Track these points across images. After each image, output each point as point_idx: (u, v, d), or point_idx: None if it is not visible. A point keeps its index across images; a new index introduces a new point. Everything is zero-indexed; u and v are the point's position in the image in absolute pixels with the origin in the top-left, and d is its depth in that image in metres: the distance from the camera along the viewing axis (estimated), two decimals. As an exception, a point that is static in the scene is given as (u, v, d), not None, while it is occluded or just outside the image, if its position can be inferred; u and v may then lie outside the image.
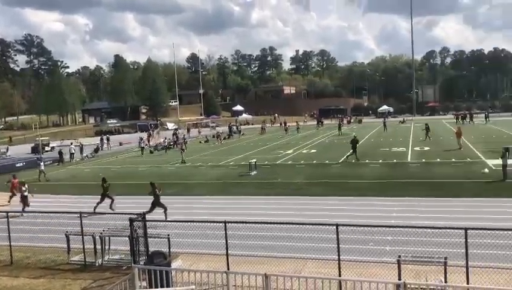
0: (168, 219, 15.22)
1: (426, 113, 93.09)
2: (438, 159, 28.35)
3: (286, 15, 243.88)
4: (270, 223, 12.94)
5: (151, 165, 34.08)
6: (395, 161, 28.89)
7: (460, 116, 63.47)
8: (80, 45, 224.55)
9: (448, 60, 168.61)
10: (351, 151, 30.15)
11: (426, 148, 34.39)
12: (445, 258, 9.15)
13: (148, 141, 50.58)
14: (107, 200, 18.62)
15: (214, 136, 55.19)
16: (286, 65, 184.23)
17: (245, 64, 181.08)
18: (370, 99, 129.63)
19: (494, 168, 23.17)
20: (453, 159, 27.91)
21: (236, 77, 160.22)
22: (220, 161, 33.46)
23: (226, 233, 10.56)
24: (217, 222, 12.35)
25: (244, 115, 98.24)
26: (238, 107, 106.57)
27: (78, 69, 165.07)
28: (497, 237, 11.07)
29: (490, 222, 13.72)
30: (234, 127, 65.61)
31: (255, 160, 28.26)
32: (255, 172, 26.50)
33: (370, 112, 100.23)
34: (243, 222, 11.54)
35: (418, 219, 14.52)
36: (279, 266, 11.06)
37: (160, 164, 34.44)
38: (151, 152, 43.38)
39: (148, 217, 12.82)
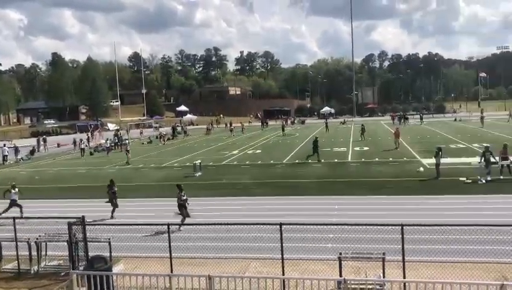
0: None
1: (366, 114, 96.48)
2: (377, 159, 29.44)
3: (230, 16, 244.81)
4: (214, 224, 12.87)
5: (91, 167, 32.92)
6: (336, 160, 29.69)
7: (397, 117, 66.40)
8: (14, 42, 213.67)
9: (386, 63, 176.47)
10: (313, 151, 30.02)
11: (365, 148, 35.62)
12: (384, 254, 9.49)
13: (88, 142, 48.83)
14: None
15: (157, 137, 54.21)
16: (231, 66, 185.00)
17: (189, 64, 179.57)
18: (313, 100, 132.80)
19: (428, 166, 24.38)
20: (391, 159, 29.10)
21: (180, 77, 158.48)
22: (163, 162, 32.91)
23: (169, 235, 10.38)
24: (160, 224, 12.14)
25: (189, 116, 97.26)
26: (183, 108, 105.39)
27: (12, 67, 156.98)
28: (431, 232, 11.67)
29: (425, 218, 14.42)
30: (179, 128, 64.82)
31: (199, 161, 28.05)
32: (199, 173, 26.29)
33: (315, 113, 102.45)
34: (186, 224, 11.44)
35: (358, 217, 14.97)
36: (223, 267, 11.03)
37: (101, 165, 33.34)
38: (91, 154, 41.93)
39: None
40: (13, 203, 17.51)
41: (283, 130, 55.64)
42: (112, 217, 16.89)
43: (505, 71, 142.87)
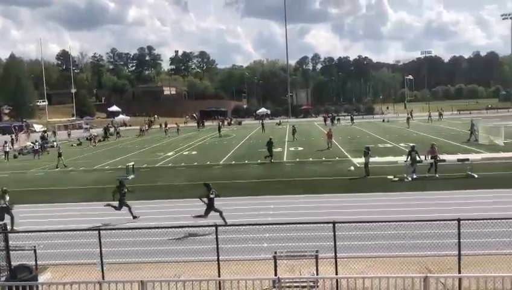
0: (227, 224, 13.67)
1: (300, 115, 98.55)
2: (311, 159, 30.19)
3: (165, 14, 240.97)
4: (149, 228, 12.59)
5: (14, 170, 31.01)
6: (272, 160, 30.05)
7: (329, 118, 68.57)
8: None
9: (319, 66, 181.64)
10: (268, 152, 30.10)
11: (300, 149, 36.42)
12: (317, 251, 9.73)
13: (12, 145, 45.92)
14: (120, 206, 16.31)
15: (87, 139, 52.13)
16: (165, 65, 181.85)
17: (122, 63, 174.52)
18: (249, 101, 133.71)
19: (358, 165, 25.34)
20: (324, 158, 29.96)
21: (112, 76, 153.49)
22: (94, 165, 31.69)
23: (100, 241, 9.98)
24: (91, 229, 11.68)
25: (121, 116, 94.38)
26: (115, 108, 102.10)
27: None
28: (361, 228, 12.13)
29: (355, 215, 14.97)
30: (112, 129, 62.72)
31: (132, 163, 27.31)
32: (132, 176, 25.58)
33: (254, 114, 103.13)
34: (118, 229, 11.08)
35: (293, 216, 15.24)
36: (158, 271, 10.79)
37: (26, 169, 31.50)
38: (15, 157, 39.55)
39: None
40: (4, 211, 16.23)
41: (219, 130, 55.56)
42: (134, 217, 15.97)
43: (428, 74, 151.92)
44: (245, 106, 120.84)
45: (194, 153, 37.16)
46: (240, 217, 15.60)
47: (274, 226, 13.18)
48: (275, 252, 9.73)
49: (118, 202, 16.29)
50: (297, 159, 30.25)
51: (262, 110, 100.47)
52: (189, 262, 11.65)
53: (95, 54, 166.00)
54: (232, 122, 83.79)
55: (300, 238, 12.37)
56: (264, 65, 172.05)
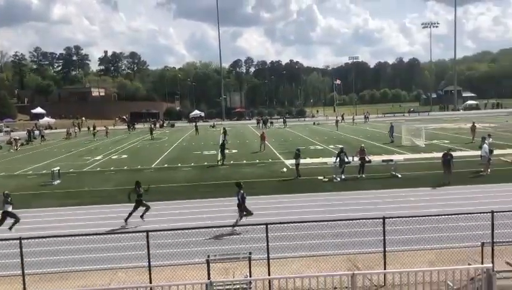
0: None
1: (234, 118, 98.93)
2: (245, 161, 30.40)
3: (93, 13, 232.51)
4: (73, 235, 12.04)
5: None
6: (206, 163, 29.93)
7: (262, 121, 69.53)
8: None
9: (252, 69, 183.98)
10: (220, 155, 29.75)
11: (234, 151, 36.51)
12: (250, 253, 9.79)
13: None
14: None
15: (8, 142, 48.89)
16: (94, 66, 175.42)
17: (46, 62, 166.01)
18: (182, 103, 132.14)
19: (291, 167, 25.87)
20: (257, 160, 30.28)
21: (36, 76, 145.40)
22: (16, 170, 29.79)
23: (21, 251, 9.39)
24: (11, 239, 10.94)
25: (46, 119, 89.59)
26: (39, 110, 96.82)
27: None
28: (293, 229, 12.39)
29: (287, 215, 15.25)
30: (37, 132, 59.29)
31: (58, 168, 26.00)
32: (58, 181, 24.37)
33: (189, 116, 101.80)
34: (41, 237, 10.50)
35: (227, 218, 15.21)
36: (87, 280, 10.33)
37: None
38: None
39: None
40: (5, 215, 15.10)
41: (151, 133, 54.36)
42: (142, 219, 15.48)
43: (356, 79, 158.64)
44: (178, 108, 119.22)
45: (124, 156, 36.05)
46: (173, 221, 15.37)
47: (207, 229, 13.11)
48: (208, 256, 9.67)
49: (134, 203, 15.80)
50: (232, 162, 30.29)
51: (196, 112, 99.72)
52: (119, 269, 11.29)
53: (16, 52, 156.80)
54: (165, 125, 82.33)
55: (234, 241, 12.40)
56: (197, 67, 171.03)
